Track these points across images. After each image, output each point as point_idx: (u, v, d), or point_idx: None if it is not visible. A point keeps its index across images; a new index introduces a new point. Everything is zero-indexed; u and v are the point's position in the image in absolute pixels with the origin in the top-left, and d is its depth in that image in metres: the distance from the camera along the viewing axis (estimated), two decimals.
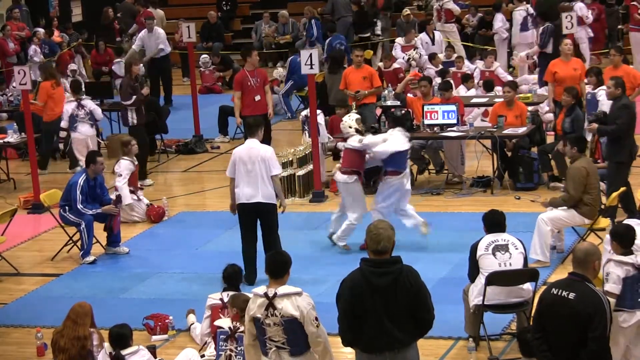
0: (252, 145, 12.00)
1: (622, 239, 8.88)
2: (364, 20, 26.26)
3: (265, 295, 7.68)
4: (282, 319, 7.63)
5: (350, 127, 13.16)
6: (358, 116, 13.51)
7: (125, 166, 14.82)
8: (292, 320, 7.63)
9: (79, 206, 13.43)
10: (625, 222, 9.74)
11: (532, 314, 7.98)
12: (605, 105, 14.97)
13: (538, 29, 21.60)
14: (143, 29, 23.78)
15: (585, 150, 12.57)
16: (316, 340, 7.70)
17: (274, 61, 27.48)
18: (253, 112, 16.56)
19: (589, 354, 7.29)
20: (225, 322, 9.60)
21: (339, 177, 13.12)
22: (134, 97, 16.86)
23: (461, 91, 19.00)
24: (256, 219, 12.07)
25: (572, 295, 7.34)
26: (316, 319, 7.67)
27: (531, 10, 22.45)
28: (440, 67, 20.31)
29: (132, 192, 14.90)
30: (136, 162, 15.15)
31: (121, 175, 14.79)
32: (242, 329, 8.78)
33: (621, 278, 8.72)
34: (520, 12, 22.48)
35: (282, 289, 7.67)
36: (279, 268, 7.77)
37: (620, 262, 8.75)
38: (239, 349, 8.97)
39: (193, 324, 10.92)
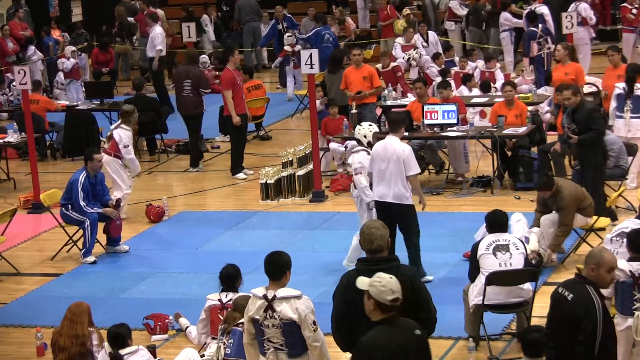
0: (390, 143, 11.66)
1: (632, 244, 8.89)
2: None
3: (265, 297, 7.65)
4: (280, 322, 7.61)
5: (365, 137, 12.22)
6: (377, 130, 12.47)
7: (128, 136, 14.88)
8: (290, 323, 7.60)
9: (82, 203, 13.40)
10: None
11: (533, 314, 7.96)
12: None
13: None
14: (144, 27, 23.89)
15: (553, 185, 12.13)
16: (312, 344, 7.67)
17: (274, 61, 27.49)
18: (242, 110, 17.01)
19: (575, 355, 7.31)
20: None
21: (355, 192, 12.37)
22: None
23: (464, 91, 18.99)
24: (391, 218, 11.54)
25: (570, 297, 7.36)
26: (314, 322, 7.63)
27: (541, 10, 22.29)
28: (443, 66, 20.35)
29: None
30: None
31: (128, 146, 14.82)
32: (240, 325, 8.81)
33: None
34: (527, 12, 22.45)
35: (282, 292, 7.63)
36: (277, 269, 7.70)
37: None
38: (229, 341, 9.00)
39: (187, 327, 10.90)
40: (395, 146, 11.61)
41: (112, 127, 15.28)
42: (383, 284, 6.70)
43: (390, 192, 11.59)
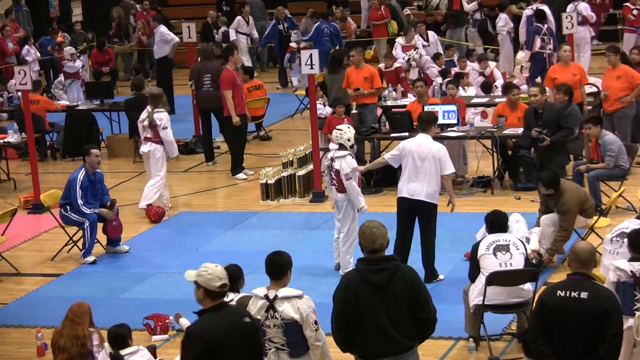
0: (423, 142, 11.72)
1: (632, 244, 8.89)
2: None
3: (266, 297, 7.67)
4: (282, 322, 7.63)
5: (349, 140, 12.03)
6: (354, 130, 12.36)
7: (167, 117, 15.06)
8: (292, 322, 7.62)
9: (79, 202, 13.37)
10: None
11: (532, 317, 7.95)
12: None
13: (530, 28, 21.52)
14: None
15: (559, 185, 12.03)
16: (314, 344, 7.69)
17: (274, 61, 27.51)
18: (242, 110, 16.99)
19: (609, 349, 7.31)
20: None
21: (341, 196, 12.20)
22: None
23: (461, 91, 18.95)
24: (414, 216, 11.80)
25: (584, 295, 7.33)
26: (316, 322, 7.66)
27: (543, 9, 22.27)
28: (443, 66, 20.32)
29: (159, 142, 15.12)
30: None
31: (167, 127, 14.96)
32: None
33: (611, 282, 8.76)
34: (527, 12, 22.44)
35: (283, 292, 7.65)
36: (278, 269, 7.73)
37: (616, 267, 8.79)
38: None
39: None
40: (430, 145, 11.68)
41: (143, 115, 15.20)
42: (210, 272, 7.04)
43: (423, 191, 11.65)
